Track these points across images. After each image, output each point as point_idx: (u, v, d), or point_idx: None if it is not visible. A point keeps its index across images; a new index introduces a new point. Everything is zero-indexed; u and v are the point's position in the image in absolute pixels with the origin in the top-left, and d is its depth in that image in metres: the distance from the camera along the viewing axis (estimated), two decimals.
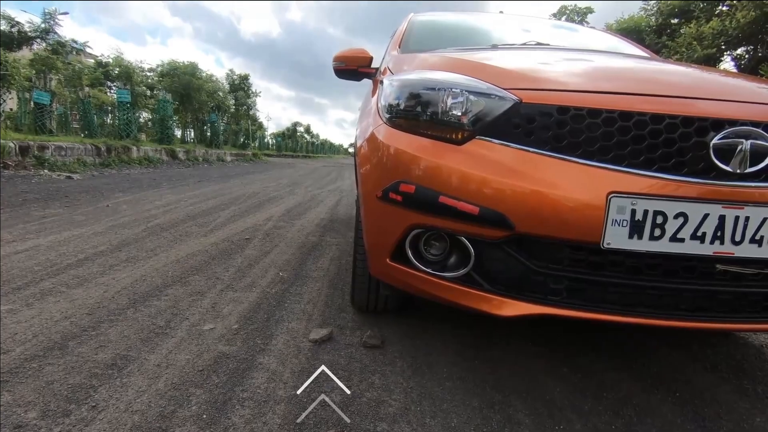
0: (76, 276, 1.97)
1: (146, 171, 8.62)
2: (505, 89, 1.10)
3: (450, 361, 1.40)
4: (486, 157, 1.08)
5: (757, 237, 0.99)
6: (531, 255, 1.08)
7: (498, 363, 1.40)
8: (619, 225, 0.98)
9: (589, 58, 1.49)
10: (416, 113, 1.22)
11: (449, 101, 1.15)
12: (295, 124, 50.18)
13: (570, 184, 1.00)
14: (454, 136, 1.14)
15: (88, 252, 2.38)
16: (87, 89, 12.95)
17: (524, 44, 1.89)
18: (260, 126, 31.24)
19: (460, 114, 1.13)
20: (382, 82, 1.50)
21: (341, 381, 1.24)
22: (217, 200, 4.85)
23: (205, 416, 1.04)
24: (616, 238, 0.99)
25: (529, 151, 1.05)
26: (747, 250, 0.99)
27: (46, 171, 6.42)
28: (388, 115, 1.32)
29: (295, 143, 41.93)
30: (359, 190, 1.57)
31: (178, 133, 17.74)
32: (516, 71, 1.19)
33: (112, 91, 18.17)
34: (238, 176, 8.95)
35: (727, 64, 9.48)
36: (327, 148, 59.36)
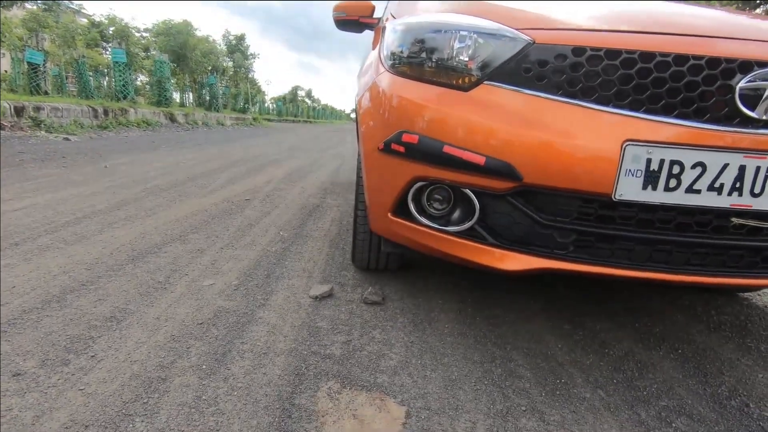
0: (74, 233, 1.95)
1: (145, 134, 8.49)
2: (516, 29, 1.02)
3: (451, 318, 1.39)
4: (494, 104, 1.02)
5: None
6: (538, 207, 1.04)
7: (499, 320, 1.39)
8: (633, 175, 0.93)
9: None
10: (421, 59, 1.15)
11: (456, 45, 1.08)
12: (296, 88, 49.10)
13: (583, 131, 0.95)
14: (460, 82, 1.07)
15: (86, 210, 2.35)
16: (81, 49, 12.59)
17: None
18: (260, 90, 30.60)
19: (467, 58, 1.06)
20: (384, 29, 1.42)
21: (342, 335, 1.23)
22: (217, 163, 4.78)
23: (204, 366, 1.03)
24: (629, 189, 0.94)
25: (540, 96, 0.98)
26: (766, 203, 0.95)
27: (43, 132, 6.32)
28: (390, 62, 1.24)
29: (296, 108, 41.14)
30: (360, 145, 1.52)
31: (177, 96, 17.42)
32: (528, 11, 1.10)
33: (107, 52, 17.70)
34: (238, 140, 8.82)
35: None
36: (329, 114, 58.29)
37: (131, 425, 0.83)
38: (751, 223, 0.99)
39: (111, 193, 2.84)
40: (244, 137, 9.84)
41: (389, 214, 1.24)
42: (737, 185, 0.93)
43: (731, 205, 0.95)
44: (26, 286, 1.39)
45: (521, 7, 1.15)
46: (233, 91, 20.85)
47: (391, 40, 1.28)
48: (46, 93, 9.49)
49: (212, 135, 9.90)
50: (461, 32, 1.08)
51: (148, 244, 1.89)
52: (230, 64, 22.20)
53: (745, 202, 0.94)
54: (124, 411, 0.87)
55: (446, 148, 1.05)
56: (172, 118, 11.19)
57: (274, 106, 34.48)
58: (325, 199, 3.18)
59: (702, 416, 1.00)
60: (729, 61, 0.90)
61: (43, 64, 9.67)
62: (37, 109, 6.68)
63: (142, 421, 0.85)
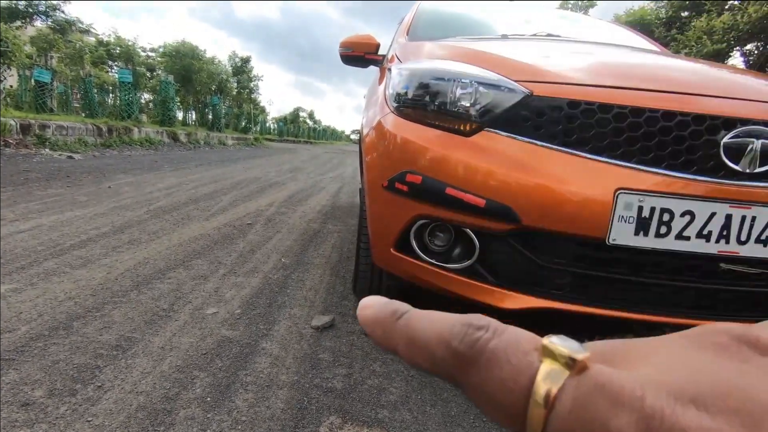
0: (79, 257, 1.98)
1: (147, 153, 8.59)
2: (515, 81, 1.09)
3: None
4: (494, 150, 1.08)
5: (763, 237, 0.99)
6: (535, 249, 1.09)
7: None
8: (625, 221, 0.98)
9: (599, 51, 1.47)
10: (424, 103, 1.21)
11: (458, 92, 1.15)
12: (298, 109, 49.84)
13: (578, 179, 1.00)
14: (462, 128, 1.13)
15: (90, 233, 2.39)
16: (88, 68, 12.84)
17: (534, 35, 1.87)
18: (262, 110, 31.02)
19: (468, 105, 1.13)
20: (389, 69, 1.49)
21: (343, 368, 1.26)
22: (219, 184, 4.84)
23: (209, 399, 1.06)
24: (622, 234, 0.99)
25: (537, 144, 1.04)
26: (752, 250, 0.99)
27: (47, 150, 6.39)
28: (395, 104, 1.31)
29: (297, 128, 41.68)
30: (364, 178, 1.57)
31: (180, 115, 17.64)
32: (527, 63, 1.18)
33: (113, 70, 18.02)
34: (240, 160, 8.91)
35: (737, 59, 9.37)
36: (329, 135, 59.04)
37: None
38: (738, 268, 1.04)
39: (115, 215, 2.87)
40: (246, 158, 9.94)
41: (392, 249, 1.28)
42: (724, 233, 0.98)
43: (719, 251, 0.99)
44: (33, 312, 1.41)
45: (519, 59, 1.22)
46: (236, 111, 21.15)
47: (396, 82, 1.34)
48: (51, 110, 9.63)
49: (214, 155, 10.01)
50: (463, 80, 1.15)
51: (152, 269, 1.92)
52: (234, 85, 22.60)
53: (732, 249, 0.99)
54: None
55: (449, 190, 1.10)
56: (174, 138, 11.32)
57: (276, 126, 34.92)
58: (326, 225, 3.22)
59: None
60: (713, 118, 0.96)
61: (51, 82, 9.85)
62: (43, 127, 6.78)
63: None
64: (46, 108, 9.31)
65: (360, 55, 2.30)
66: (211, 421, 0.98)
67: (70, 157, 6.19)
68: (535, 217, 1.03)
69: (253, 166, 7.82)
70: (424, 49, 1.55)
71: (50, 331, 1.30)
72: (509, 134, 1.08)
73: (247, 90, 24.13)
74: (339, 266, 2.22)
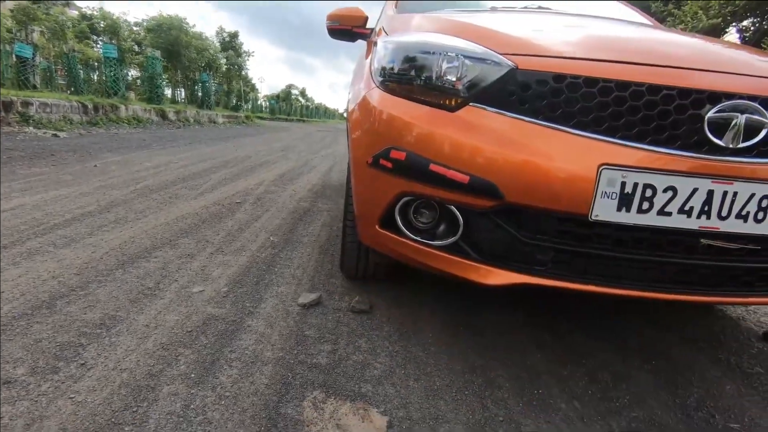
0: (63, 236, 1.96)
1: (135, 131, 8.43)
2: (501, 54, 1.06)
3: (436, 328, 1.43)
4: (478, 125, 1.06)
5: (743, 212, 0.99)
6: (519, 225, 1.08)
7: (483, 330, 1.43)
8: (608, 197, 0.98)
9: (589, 24, 1.44)
10: (410, 77, 1.19)
11: (444, 65, 1.12)
12: (289, 87, 48.93)
13: (561, 154, 0.99)
14: (447, 102, 1.11)
15: (75, 212, 2.35)
16: (71, 43, 12.44)
17: (525, 7, 1.82)
18: (253, 88, 30.45)
19: (454, 79, 1.10)
20: (376, 43, 1.45)
21: (328, 344, 1.27)
22: (208, 163, 4.78)
23: (193, 375, 1.06)
24: (605, 210, 0.99)
25: (522, 119, 1.03)
26: (732, 225, 1.00)
27: (31, 128, 6.25)
28: (380, 79, 1.28)
29: (289, 106, 40.97)
30: (350, 155, 1.55)
31: (169, 92, 17.27)
32: (513, 36, 1.15)
33: (98, 45, 17.50)
34: (230, 139, 8.79)
35: (732, 35, 9.27)
36: (322, 113, 58.15)
37: None
38: (719, 244, 1.04)
39: (101, 194, 2.83)
40: (237, 136, 9.80)
41: (377, 226, 1.28)
42: (706, 208, 0.98)
43: (700, 227, 1.00)
44: (15, 291, 1.40)
45: (506, 31, 1.19)
46: (225, 88, 20.73)
47: (381, 56, 1.31)
48: (34, 87, 9.37)
49: (204, 133, 9.85)
50: (449, 54, 1.12)
51: (138, 248, 1.90)
52: (223, 61, 22.05)
53: (713, 224, 1.00)
54: (113, 420, 0.89)
55: (432, 166, 1.09)
56: (163, 116, 11.10)
57: (267, 104, 34.32)
58: (316, 203, 3.20)
59: (669, 427, 1.05)
60: (699, 92, 0.95)
61: (33, 58, 9.55)
62: (26, 104, 6.60)
63: (131, 430, 0.87)
64: (29, 85, 9.06)
65: (347, 28, 2.23)
66: (195, 396, 0.99)
67: (55, 136, 6.06)
68: (518, 193, 1.02)
69: (243, 144, 7.72)
70: (411, 22, 1.50)
71: (33, 310, 1.29)
72: (494, 109, 1.06)
73: (236, 66, 23.57)
74: (327, 245, 2.21)
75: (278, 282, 1.68)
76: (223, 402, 0.97)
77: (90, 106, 8.14)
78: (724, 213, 0.99)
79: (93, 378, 1.01)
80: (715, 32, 8.14)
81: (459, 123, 1.08)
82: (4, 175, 3.16)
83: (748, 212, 0.99)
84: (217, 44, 22.09)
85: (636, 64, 1.00)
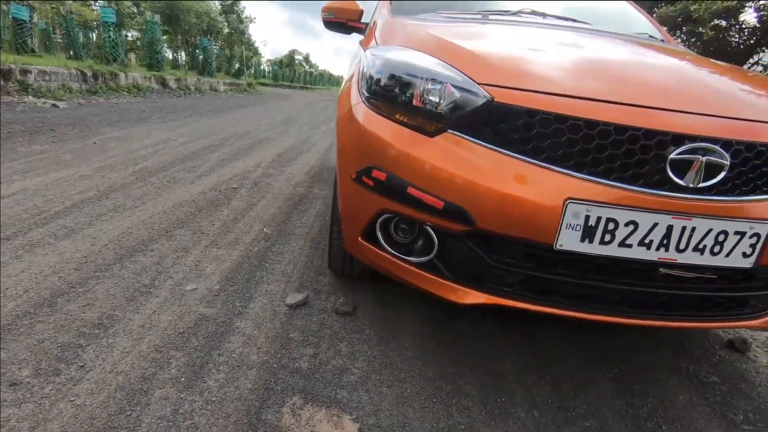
0: (63, 226, 2.03)
1: (135, 101, 8.37)
2: (480, 84, 1.09)
3: (415, 331, 1.51)
4: (454, 153, 1.10)
5: (701, 246, 1.05)
6: (489, 249, 1.15)
7: (459, 335, 1.52)
8: (573, 229, 1.03)
9: (574, 42, 1.44)
10: (394, 96, 1.22)
11: (426, 91, 1.15)
12: (293, 52, 47.76)
13: (531, 187, 1.04)
14: (427, 128, 1.15)
15: (75, 198, 2.42)
16: (69, 4, 12.14)
17: (518, 12, 1.80)
18: (256, 52, 29.75)
19: (435, 106, 1.13)
20: (365, 52, 1.46)
21: (311, 347, 1.36)
22: (208, 140, 4.79)
23: (183, 379, 1.16)
24: (569, 240, 1.04)
25: (496, 150, 1.07)
26: (689, 258, 1.06)
27: (30, 98, 6.22)
28: (366, 94, 1.31)
29: (292, 73, 40.15)
30: (337, 162, 1.59)
31: (169, 54, 16.96)
32: (495, 62, 1.17)
33: (96, 4, 17.06)
34: (231, 110, 8.72)
35: (750, 15, 8.95)
36: (326, 80, 56.98)
37: None
38: (676, 273, 1.11)
39: (100, 177, 2.89)
40: (238, 106, 9.72)
41: (359, 238, 1.34)
42: (665, 242, 1.04)
43: (659, 258, 1.06)
44: (19, 288, 1.48)
45: (490, 56, 1.21)
46: (227, 53, 20.30)
47: (369, 68, 1.33)
48: (33, 51, 9.23)
49: (205, 103, 9.76)
50: (432, 79, 1.14)
51: (135, 240, 1.98)
52: (225, 24, 21.47)
53: (671, 256, 1.06)
54: (109, 423, 0.99)
55: (410, 189, 1.14)
56: (163, 83, 10.96)
57: (270, 69, 33.63)
58: (312, 189, 3.25)
59: None
60: (663, 134, 0.99)
61: (30, 20, 9.36)
62: (25, 72, 6.54)
63: None
64: (27, 48, 8.92)
65: (342, 21, 2.22)
66: (184, 401, 1.08)
67: (55, 106, 6.05)
68: (489, 220, 1.08)
69: (244, 116, 7.67)
70: (401, 33, 1.51)
71: (36, 308, 1.38)
72: (470, 138, 1.09)
73: (237, 32, 22.96)
74: (320, 237, 2.28)
75: (268, 279, 1.76)
76: (209, 407, 1.07)
77: (89, 74, 8.05)
78: (682, 246, 1.05)
79: (91, 381, 1.11)
80: (731, 12, 7.86)
81: (437, 149, 1.12)
82: (5, 154, 3.21)
83: (705, 245, 1.05)
84: (218, 5, 21.44)
85: (607, 102, 1.03)
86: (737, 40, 8.88)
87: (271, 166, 3.85)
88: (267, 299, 1.61)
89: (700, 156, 0.99)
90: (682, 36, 9.28)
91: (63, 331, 1.29)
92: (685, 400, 1.33)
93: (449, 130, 1.12)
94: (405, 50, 1.31)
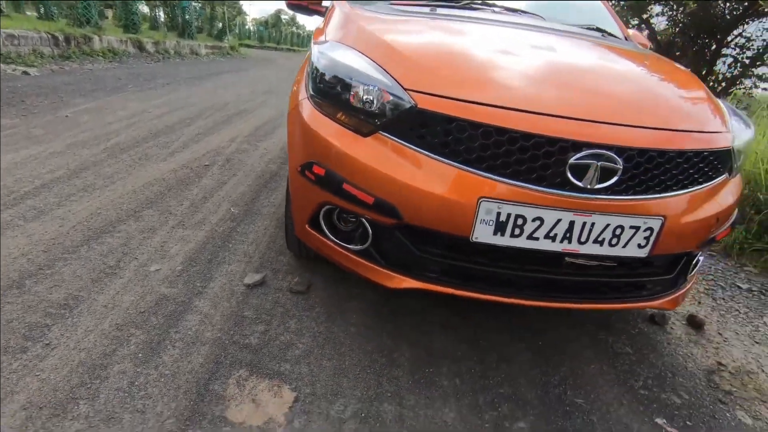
0: (33, 207, 2.10)
1: (111, 66, 8.13)
2: (406, 89, 1.18)
3: (362, 309, 1.65)
4: (384, 153, 1.20)
5: (600, 239, 1.18)
6: (416, 241, 1.27)
7: (402, 312, 1.66)
8: (486, 224, 1.16)
9: (509, 43, 1.52)
10: (333, 96, 1.30)
11: (362, 93, 1.23)
12: (279, 12, 45.90)
13: (449, 186, 1.15)
14: (362, 128, 1.24)
15: (45, 178, 2.47)
16: None
17: (467, 3, 1.85)
18: (240, 11, 28.54)
19: (369, 107, 1.22)
20: (315, 47, 1.51)
21: (262, 324, 1.49)
22: (184, 112, 4.76)
23: (140, 355, 1.29)
24: (483, 233, 1.17)
25: (419, 152, 1.17)
26: (590, 249, 1.20)
27: (0, 65, 6.03)
28: (312, 92, 1.38)
29: (278, 34, 38.78)
30: (288, 152, 1.67)
31: (146, 10, 16.26)
32: (423, 68, 1.25)
33: None
34: (212, 77, 8.53)
35: None
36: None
37: (76, 407, 1.09)
38: (578, 261, 1.25)
39: (71, 155, 2.92)
40: (219, 73, 9.49)
41: (306, 225, 1.46)
42: (567, 235, 1.17)
43: (563, 249, 1.19)
44: None
45: (424, 59, 1.29)
46: (208, 12, 19.49)
47: (315, 63, 1.40)
48: (0, 11, 8.82)
49: (184, 69, 9.51)
50: (368, 83, 1.22)
51: (103, 221, 2.06)
52: None
53: (574, 247, 1.19)
54: (71, 395, 1.13)
55: (345, 185, 1.25)
56: (141, 47, 10.60)
57: (256, 29, 32.41)
58: (285, 165, 3.32)
59: (526, 401, 1.32)
60: (564, 141, 1.10)
61: None
62: None
63: (85, 404, 1.11)
64: None
65: (303, 4, 2.23)
66: (140, 374, 1.22)
67: (26, 73, 5.89)
68: (414, 215, 1.20)
69: (225, 84, 7.53)
70: (350, 28, 1.56)
71: (5, 290, 1.49)
72: (397, 139, 1.19)
73: None
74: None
75: (230, 260, 1.88)
76: (162, 380, 1.21)
77: (61, 38, 7.76)
78: (583, 239, 1.18)
79: (56, 357, 1.23)
80: None
81: (369, 149, 1.22)
82: None
83: (603, 238, 1.18)
84: None
85: (517, 111, 1.12)
86: (723, 9, 8.82)
87: (246, 141, 3.88)
88: (226, 279, 1.73)
89: (595, 161, 1.10)
90: (669, 6, 9.18)
91: (31, 312, 1.40)
92: (595, 369, 1.50)
93: (380, 132, 1.21)
94: (347, 50, 1.37)
